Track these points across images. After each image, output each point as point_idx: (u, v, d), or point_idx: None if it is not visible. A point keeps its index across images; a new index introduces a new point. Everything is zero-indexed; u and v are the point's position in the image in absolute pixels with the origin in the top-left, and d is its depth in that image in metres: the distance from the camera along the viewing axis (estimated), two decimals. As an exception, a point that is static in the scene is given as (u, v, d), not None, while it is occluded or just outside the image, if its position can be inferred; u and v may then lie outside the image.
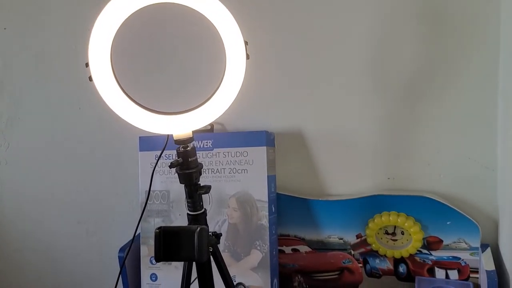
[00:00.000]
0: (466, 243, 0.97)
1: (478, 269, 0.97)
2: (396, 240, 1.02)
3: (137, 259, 1.10)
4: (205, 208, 0.77)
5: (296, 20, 1.08)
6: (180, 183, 0.75)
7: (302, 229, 1.07)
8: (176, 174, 0.75)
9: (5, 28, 1.27)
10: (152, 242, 1.00)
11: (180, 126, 0.72)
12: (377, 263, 1.04)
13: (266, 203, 1.00)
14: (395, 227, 1.02)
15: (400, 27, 1.02)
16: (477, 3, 0.96)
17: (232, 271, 0.85)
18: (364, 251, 1.04)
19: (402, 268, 1.02)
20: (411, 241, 1.00)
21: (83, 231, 1.27)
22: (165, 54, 1.15)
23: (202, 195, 0.76)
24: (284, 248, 1.08)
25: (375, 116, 1.05)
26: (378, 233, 1.03)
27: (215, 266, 0.77)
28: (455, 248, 0.98)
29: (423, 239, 0.99)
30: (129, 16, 0.67)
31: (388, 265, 1.03)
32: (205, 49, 1.08)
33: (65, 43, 1.22)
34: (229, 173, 1.03)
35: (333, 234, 1.06)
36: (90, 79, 0.68)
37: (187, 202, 0.76)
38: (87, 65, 0.67)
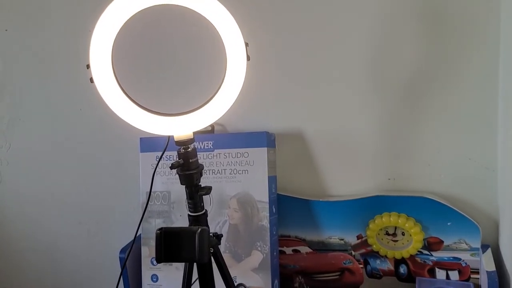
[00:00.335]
0: (466, 244, 0.97)
1: (478, 269, 0.97)
2: (397, 240, 1.02)
3: (138, 260, 1.10)
4: (206, 209, 0.77)
5: (296, 20, 1.07)
6: (181, 184, 0.75)
7: (302, 230, 1.07)
8: (177, 175, 0.75)
9: (6, 30, 1.27)
10: (153, 243, 1.00)
11: (181, 127, 0.72)
12: (378, 264, 1.04)
13: (267, 204, 1.00)
14: (395, 227, 1.02)
15: (400, 27, 1.02)
16: (477, 3, 0.96)
17: (233, 272, 0.85)
18: (364, 252, 1.04)
19: (402, 269, 1.02)
20: (411, 241, 1.00)
21: (84, 232, 1.28)
22: (166, 56, 1.15)
23: (203, 196, 0.76)
24: (284, 249, 1.08)
25: (375, 116, 1.05)
26: (378, 234, 1.03)
27: (216, 267, 0.77)
28: (456, 249, 0.98)
29: (424, 239, 0.99)
30: (130, 18, 0.68)
31: (388, 266, 1.03)
32: (206, 50, 1.07)
33: (66, 43, 1.23)
34: (229, 174, 1.03)
35: (333, 235, 1.06)
36: (91, 80, 0.68)
37: (188, 203, 0.76)
38: (88, 66, 0.67)
